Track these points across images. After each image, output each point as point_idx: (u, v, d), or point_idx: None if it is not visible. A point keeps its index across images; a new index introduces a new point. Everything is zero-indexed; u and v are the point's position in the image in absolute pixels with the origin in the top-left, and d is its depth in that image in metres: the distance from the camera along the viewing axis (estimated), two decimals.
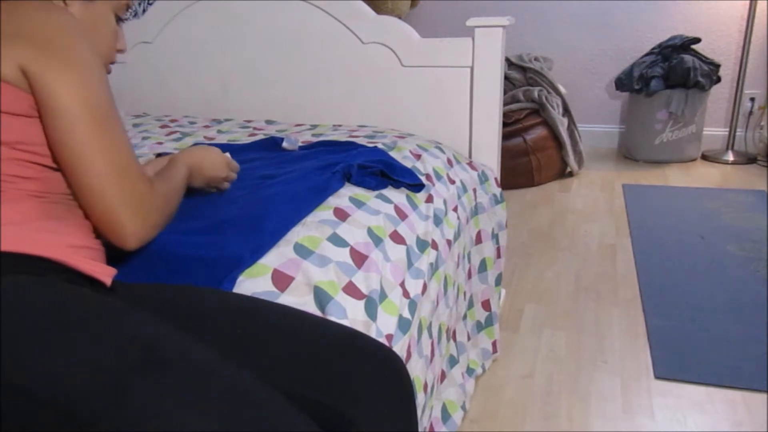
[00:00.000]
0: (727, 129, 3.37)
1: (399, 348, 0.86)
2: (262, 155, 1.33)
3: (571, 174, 3.08)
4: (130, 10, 1.49)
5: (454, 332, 1.28)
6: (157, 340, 0.56)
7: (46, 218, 0.67)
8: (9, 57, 0.65)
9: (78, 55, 0.68)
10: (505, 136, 2.82)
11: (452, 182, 1.33)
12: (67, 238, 0.68)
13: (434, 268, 1.07)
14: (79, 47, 0.69)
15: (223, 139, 1.57)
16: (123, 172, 0.70)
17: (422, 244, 1.07)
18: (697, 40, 3.11)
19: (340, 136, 1.50)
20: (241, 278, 0.82)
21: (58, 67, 0.66)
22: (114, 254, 0.87)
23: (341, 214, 1.00)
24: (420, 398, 0.92)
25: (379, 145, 1.36)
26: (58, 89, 0.66)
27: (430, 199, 1.19)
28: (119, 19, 0.85)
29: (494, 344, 1.46)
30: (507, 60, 3.11)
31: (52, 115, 0.67)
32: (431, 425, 1.10)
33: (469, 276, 1.40)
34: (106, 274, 0.70)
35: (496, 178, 1.55)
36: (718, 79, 3.09)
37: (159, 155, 1.19)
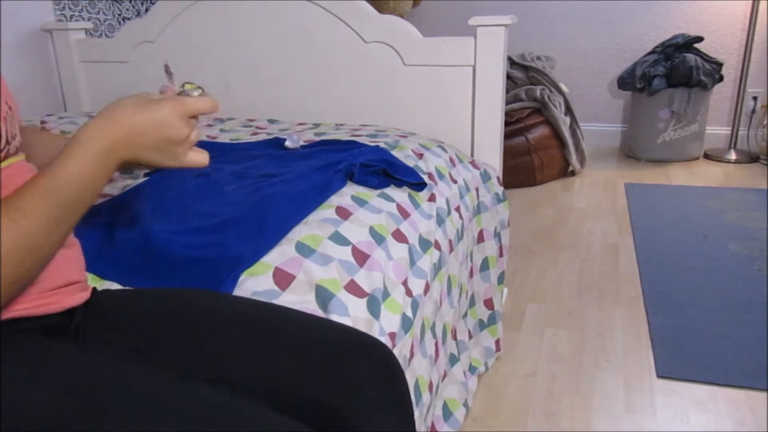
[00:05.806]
0: (730, 128, 3.37)
1: (402, 346, 0.86)
2: (264, 154, 1.33)
3: (573, 173, 3.08)
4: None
5: (455, 330, 1.28)
6: (104, 382, 0.54)
7: None
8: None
9: None
10: (508, 135, 2.82)
11: (454, 181, 1.33)
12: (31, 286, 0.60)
13: (437, 268, 1.07)
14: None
15: (225, 138, 1.57)
16: None
17: (425, 244, 1.07)
18: (700, 39, 3.10)
19: (343, 135, 1.50)
20: (242, 277, 0.82)
21: None
22: (114, 254, 0.87)
23: (343, 213, 1.00)
24: (425, 398, 0.92)
25: (382, 144, 1.36)
26: None
27: (432, 198, 1.19)
28: None
29: (497, 342, 1.46)
30: (509, 59, 3.11)
31: None
32: (432, 425, 1.10)
33: (471, 274, 1.40)
34: (71, 301, 0.65)
35: (498, 177, 1.55)
36: (721, 78, 3.09)
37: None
